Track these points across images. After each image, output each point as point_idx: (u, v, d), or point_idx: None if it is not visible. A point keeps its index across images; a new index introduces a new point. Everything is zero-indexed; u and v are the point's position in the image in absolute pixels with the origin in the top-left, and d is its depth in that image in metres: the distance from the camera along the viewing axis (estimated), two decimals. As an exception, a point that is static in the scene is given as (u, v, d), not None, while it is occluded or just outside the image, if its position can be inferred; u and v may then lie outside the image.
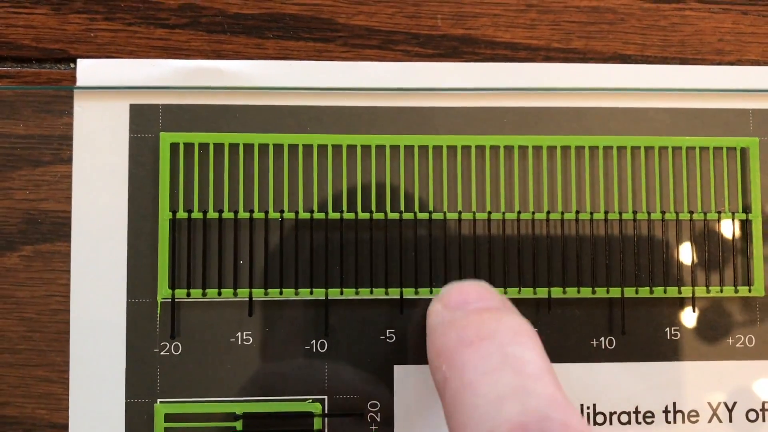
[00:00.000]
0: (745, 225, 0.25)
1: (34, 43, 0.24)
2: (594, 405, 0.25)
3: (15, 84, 0.24)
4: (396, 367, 0.24)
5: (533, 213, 0.25)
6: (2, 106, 0.24)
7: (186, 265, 0.24)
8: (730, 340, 0.25)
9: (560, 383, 0.19)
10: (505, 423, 0.17)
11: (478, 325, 0.20)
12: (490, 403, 0.18)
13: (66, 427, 0.24)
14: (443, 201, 0.25)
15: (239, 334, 0.24)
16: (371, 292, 0.24)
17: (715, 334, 0.25)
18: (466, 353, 0.19)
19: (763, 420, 0.25)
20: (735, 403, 0.25)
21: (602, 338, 0.25)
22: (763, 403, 0.25)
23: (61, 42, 0.25)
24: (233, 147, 0.24)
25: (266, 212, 0.24)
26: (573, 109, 0.25)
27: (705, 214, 0.25)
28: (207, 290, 0.24)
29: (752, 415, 0.25)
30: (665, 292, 0.25)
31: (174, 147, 0.24)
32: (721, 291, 0.25)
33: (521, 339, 0.19)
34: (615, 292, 0.25)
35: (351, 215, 0.24)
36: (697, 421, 0.25)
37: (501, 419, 0.17)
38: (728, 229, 0.25)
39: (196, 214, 0.24)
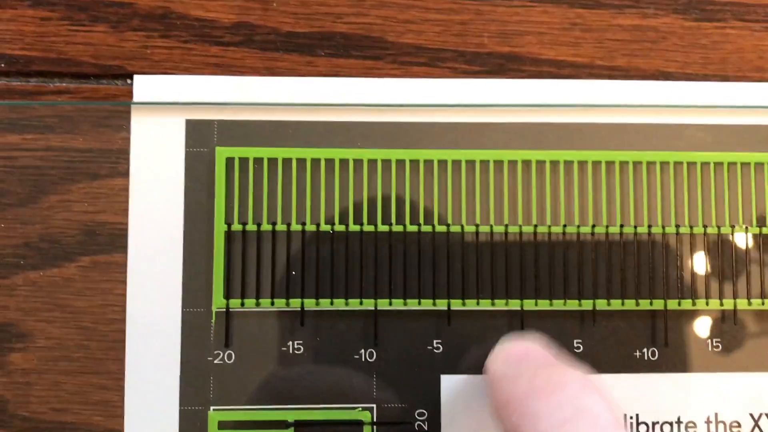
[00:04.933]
0: (787, 239, 0.26)
1: (92, 60, 0.25)
2: (637, 415, 0.25)
3: (74, 99, 0.25)
4: (443, 377, 0.25)
5: (578, 227, 0.25)
6: (62, 120, 0.25)
7: (240, 276, 0.25)
8: (772, 352, 0.25)
9: None
10: None
11: (547, 377, 0.20)
12: None
13: (122, 433, 0.24)
14: (489, 214, 0.25)
15: (290, 343, 0.25)
16: (419, 303, 0.25)
17: (757, 346, 0.25)
18: (538, 403, 0.19)
19: (804, 431, 0.25)
20: (776, 414, 0.25)
21: (645, 349, 0.25)
22: (805, 415, 0.25)
23: (118, 59, 0.25)
24: (286, 161, 0.25)
25: (318, 224, 0.25)
26: (617, 125, 0.26)
27: (746, 228, 0.25)
28: (260, 300, 0.24)
29: (794, 426, 0.25)
30: (707, 304, 0.25)
31: (229, 161, 0.25)
32: (763, 303, 0.25)
33: (590, 392, 0.20)
34: (658, 305, 0.25)
35: (399, 228, 0.25)
36: (739, 431, 0.25)
37: None
38: (769, 242, 0.26)
39: (251, 227, 0.25)
